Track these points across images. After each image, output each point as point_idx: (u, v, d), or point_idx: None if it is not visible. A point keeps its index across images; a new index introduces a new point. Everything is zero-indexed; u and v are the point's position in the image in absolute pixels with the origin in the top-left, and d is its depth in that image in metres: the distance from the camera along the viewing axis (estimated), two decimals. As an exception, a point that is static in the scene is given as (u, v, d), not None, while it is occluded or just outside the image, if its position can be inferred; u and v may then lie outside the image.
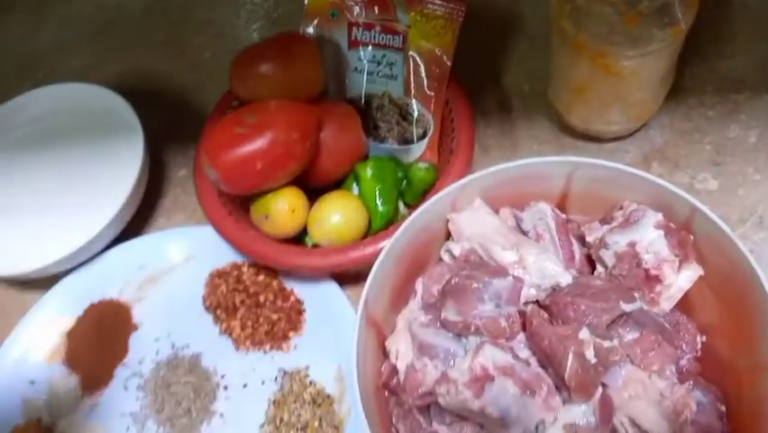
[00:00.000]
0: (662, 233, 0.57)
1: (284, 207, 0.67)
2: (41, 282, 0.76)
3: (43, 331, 0.74)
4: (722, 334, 0.58)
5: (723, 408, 0.55)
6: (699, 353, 0.59)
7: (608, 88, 0.68)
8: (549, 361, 0.53)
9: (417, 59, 0.71)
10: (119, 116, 0.81)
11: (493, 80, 0.84)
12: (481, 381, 0.52)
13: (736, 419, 0.54)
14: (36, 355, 0.73)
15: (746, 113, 0.75)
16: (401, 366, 0.59)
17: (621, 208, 0.62)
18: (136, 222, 0.79)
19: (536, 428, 0.54)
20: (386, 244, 0.59)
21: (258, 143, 0.63)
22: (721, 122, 0.75)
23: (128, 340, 0.73)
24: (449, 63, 0.71)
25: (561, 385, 0.53)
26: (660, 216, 0.58)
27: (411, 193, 0.71)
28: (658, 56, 0.64)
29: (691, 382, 0.54)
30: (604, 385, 0.54)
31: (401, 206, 0.72)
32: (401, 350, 0.60)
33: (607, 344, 0.53)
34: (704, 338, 0.59)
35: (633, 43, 0.62)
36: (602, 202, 0.63)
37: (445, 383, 0.53)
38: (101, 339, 0.73)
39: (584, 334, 0.52)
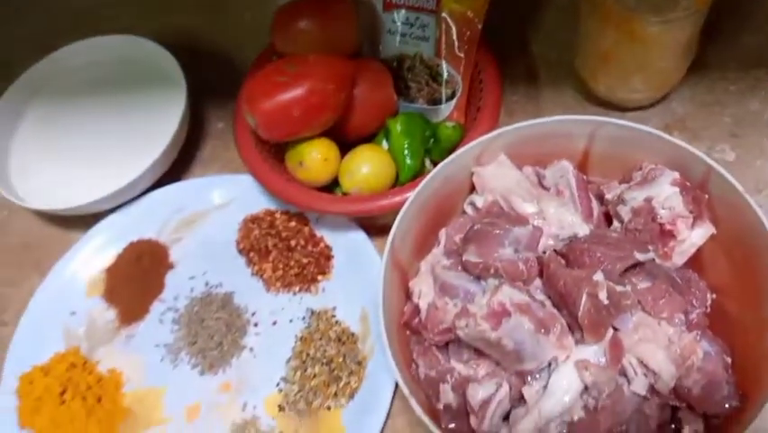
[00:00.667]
0: (677, 189, 0.60)
1: (317, 156, 0.71)
2: (84, 221, 0.81)
3: (85, 266, 0.79)
4: (731, 292, 0.61)
5: (729, 359, 0.57)
6: (709, 309, 0.61)
7: (632, 56, 0.71)
8: (564, 301, 0.56)
9: (449, 21, 0.75)
10: (164, 69, 0.85)
11: (522, 48, 0.87)
12: (499, 315, 0.55)
13: (742, 371, 0.57)
14: (77, 289, 0.78)
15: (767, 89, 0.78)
16: (423, 305, 0.63)
17: (640, 169, 0.65)
18: (175, 169, 0.84)
19: (549, 364, 0.57)
20: (412, 193, 0.63)
21: (296, 92, 0.67)
22: (742, 96, 0.78)
23: (164, 277, 0.78)
24: (480, 26, 0.74)
25: (574, 326, 0.57)
26: (676, 175, 0.61)
27: (437, 150, 0.74)
28: (681, 24, 0.67)
29: (699, 332, 0.57)
30: (615, 329, 0.57)
31: (427, 162, 0.75)
32: (423, 290, 0.63)
33: (619, 288, 0.56)
34: (714, 296, 0.62)
35: (657, 10, 0.65)
36: (622, 163, 0.66)
37: (465, 317, 0.56)
38: (139, 276, 0.77)
39: (598, 276, 0.55)
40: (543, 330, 0.56)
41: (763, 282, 0.57)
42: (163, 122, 0.80)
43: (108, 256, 0.79)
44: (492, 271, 0.59)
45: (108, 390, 0.72)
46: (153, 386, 0.71)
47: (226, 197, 0.81)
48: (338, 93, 0.69)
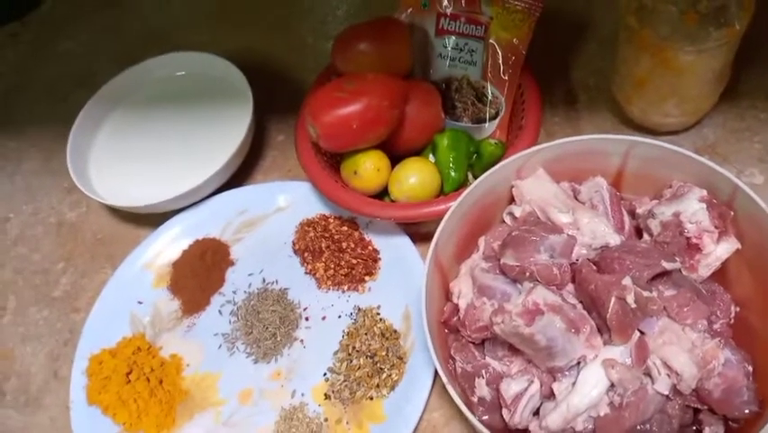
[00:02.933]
0: (704, 205, 0.64)
1: (371, 166, 0.77)
2: (154, 219, 0.88)
3: (153, 260, 0.86)
4: (754, 306, 0.64)
5: (750, 368, 0.60)
6: (732, 321, 0.65)
7: (666, 82, 0.75)
8: (594, 304, 0.61)
9: (496, 47, 0.81)
10: (232, 84, 0.93)
11: (562, 75, 0.92)
12: (533, 313, 0.59)
13: (763, 380, 0.59)
14: (145, 280, 0.85)
15: (797, 117, 0.82)
16: (462, 304, 0.68)
17: (670, 187, 0.69)
18: (239, 176, 0.91)
19: (578, 362, 0.62)
20: (456, 200, 0.68)
21: (354, 107, 0.73)
22: (772, 124, 0.82)
23: (225, 273, 0.84)
24: (524, 52, 0.80)
25: (603, 328, 0.61)
26: (704, 192, 0.65)
27: (480, 165, 0.80)
28: (714, 54, 0.71)
29: (722, 340, 0.60)
30: (641, 332, 0.61)
31: (470, 176, 0.81)
32: (463, 291, 0.68)
33: (646, 294, 0.60)
34: (737, 309, 0.65)
35: (691, 40, 0.70)
36: (654, 182, 0.70)
37: (501, 314, 0.60)
38: (202, 270, 0.84)
39: (627, 281, 0.59)
40: (573, 330, 0.60)
41: (786, 298, 0.61)
42: (230, 132, 0.88)
43: (175, 251, 0.87)
44: (528, 274, 0.64)
45: (169, 373, 0.78)
46: (210, 371, 0.78)
47: (285, 201, 0.88)
48: (392, 109, 0.75)
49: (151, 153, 0.93)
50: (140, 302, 0.84)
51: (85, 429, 0.75)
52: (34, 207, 0.98)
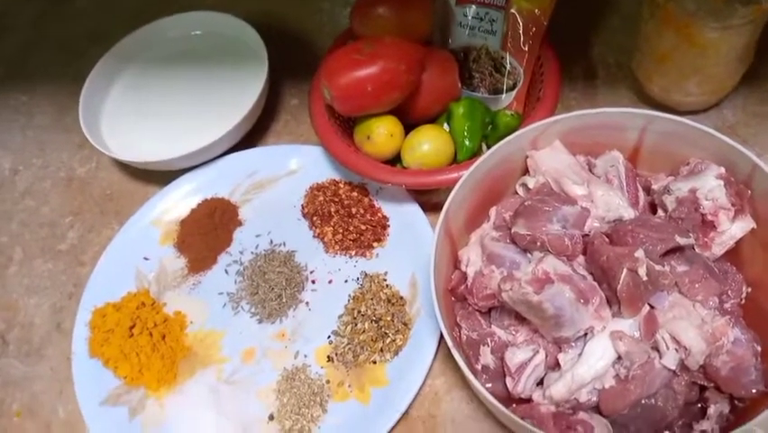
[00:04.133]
0: (721, 183, 0.63)
1: (384, 131, 0.76)
2: (164, 177, 0.88)
3: (161, 217, 0.86)
4: (766, 287, 0.64)
5: (759, 348, 0.59)
6: (743, 301, 0.64)
7: (688, 59, 0.74)
8: (604, 275, 0.60)
9: (517, 17, 0.79)
10: (248, 45, 0.93)
11: (583, 50, 0.91)
12: (542, 281, 0.59)
13: (771, 361, 0.59)
14: (152, 237, 0.85)
15: (819, 102, 0.80)
16: (470, 272, 0.67)
17: (688, 164, 0.68)
18: (251, 137, 0.90)
19: (586, 334, 0.61)
20: (470, 168, 0.67)
21: (371, 69, 0.72)
22: (793, 108, 0.80)
23: (233, 233, 0.84)
24: (545, 24, 0.79)
25: (612, 300, 0.60)
26: (722, 169, 0.64)
27: (495, 136, 0.78)
28: (739, 31, 0.70)
29: (732, 319, 0.60)
30: (651, 307, 0.61)
31: (484, 147, 0.80)
32: (472, 258, 0.68)
33: (658, 268, 0.59)
34: (749, 289, 0.65)
35: (716, 16, 0.69)
36: (671, 159, 0.69)
37: (510, 281, 0.60)
38: (210, 229, 0.84)
39: (639, 253, 0.58)
40: (582, 300, 0.60)
41: (798, 278, 0.60)
42: (244, 93, 0.87)
43: (183, 210, 0.86)
44: (539, 243, 0.64)
45: (173, 329, 0.78)
46: (214, 329, 0.78)
47: (295, 164, 0.87)
48: (408, 74, 0.74)
49: (164, 111, 0.93)
50: (146, 258, 0.84)
51: (85, 381, 0.75)
52: (44, 160, 0.98)
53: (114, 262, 0.83)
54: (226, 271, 0.81)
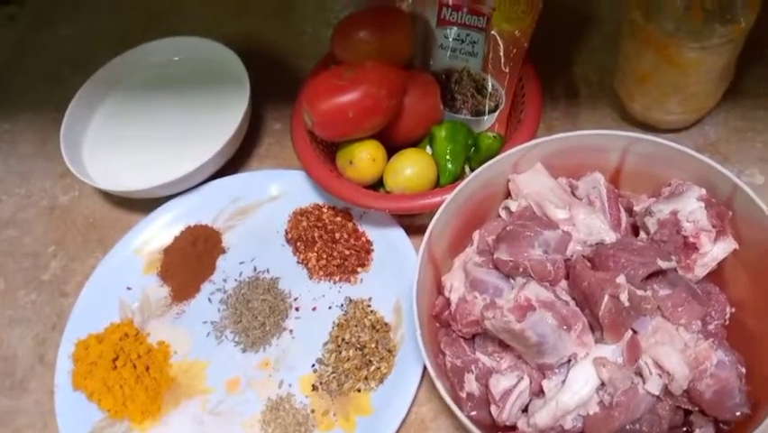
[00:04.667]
0: (702, 204, 0.63)
1: (366, 156, 0.76)
2: (147, 205, 0.87)
3: (144, 246, 0.86)
4: (750, 307, 0.63)
5: (743, 369, 0.59)
6: (727, 321, 0.64)
7: (669, 78, 0.74)
8: (587, 301, 0.60)
9: (498, 39, 0.79)
10: (230, 70, 0.92)
11: (564, 69, 0.91)
12: (524, 309, 0.59)
13: (756, 382, 0.59)
14: (135, 266, 0.84)
15: (800, 118, 0.80)
16: (454, 298, 0.67)
17: (669, 185, 0.68)
18: (234, 163, 0.90)
19: (569, 360, 0.61)
20: (452, 193, 0.67)
21: (351, 95, 0.72)
22: (775, 124, 0.81)
23: (216, 261, 0.83)
24: (526, 45, 0.79)
25: (595, 326, 0.60)
26: (703, 191, 0.64)
27: (477, 158, 0.78)
28: (718, 51, 0.70)
29: (716, 341, 0.60)
30: (634, 331, 0.60)
31: (467, 169, 0.80)
32: (455, 285, 0.67)
33: (640, 292, 0.59)
34: (733, 310, 0.64)
35: (696, 36, 0.69)
36: (653, 180, 0.69)
37: (492, 309, 0.59)
38: (193, 258, 0.83)
39: (621, 279, 0.58)
40: (565, 327, 0.59)
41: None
42: (226, 118, 0.87)
43: (166, 238, 0.86)
44: (521, 269, 0.63)
45: (156, 360, 0.77)
46: (198, 359, 0.77)
47: (278, 190, 0.87)
48: (389, 99, 0.74)
49: (146, 138, 0.92)
50: (129, 288, 0.83)
51: (69, 414, 0.74)
52: (27, 189, 0.97)
53: (96, 293, 0.82)
54: (210, 300, 0.81)
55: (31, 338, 0.83)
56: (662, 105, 0.78)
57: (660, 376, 0.58)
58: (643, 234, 0.67)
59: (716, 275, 0.65)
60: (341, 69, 0.75)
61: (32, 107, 1.06)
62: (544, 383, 0.61)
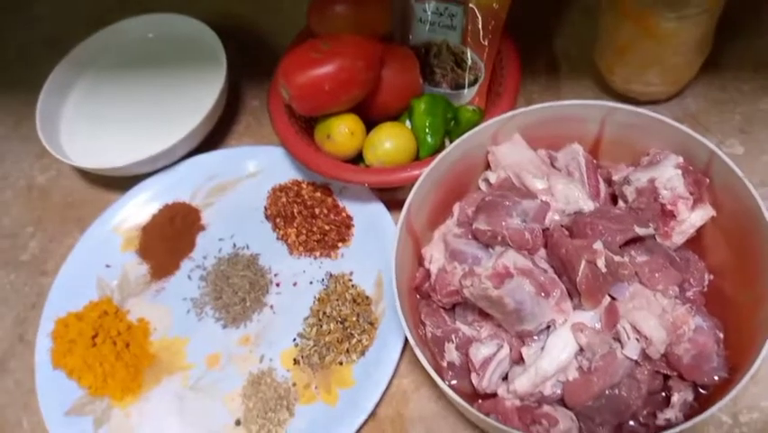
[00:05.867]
0: (679, 172, 0.63)
1: (344, 130, 0.76)
2: (124, 183, 0.87)
3: (122, 224, 0.85)
4: (728, 274, 0.64)
5: (721, 335, 0.60)
6: (706, 288, 0.65)
7: (647, 50, 0.74)
8: (564, 268, 0.60)
9: (476, 11, 0.79)
10: (206, 46, 0.91)
11: (545, 43, 0.91)
12: (502, 276, 0.59)
13: (734, 347, 0.59)
14: (113, 244, 0.84)
15: (779, 89, 0.81)
16: (434, 269, 0.67)
17: (647, 155, 0.68)
18: (211, 140, 0.89)
19: (548, 327, 0.61)
20: (430, 165, 0.67)
21: (328, 67, 0.72)
22: (754, 95, 0.81)
23: (195, 238, 0.83)
24: (504, 17, 0.78)
25: (573, 293, 0.60)
26: (680, 159, 0.64)
27: (457, 132, 0.78)
28: (695, 21, 0.70)
29: (693, 306, 0.60)
30: (612, 298, 0.61)
31: (447, 142, 0.79)
32: (435, 256, 0.68)
33: (618, 258, 0.59)
34: (711, 277, 0.65)
35: (672, 6, 0.69)
36: (631, 150, 0.69)
37: (470, 277, 0.59)
38: (171, 235, 0.83)
39: (598, 245, 0.58)
40: (543, 293, 0.59)
41: (759, 262, 0.60)
42: (203, 95, 0.86)
43: (144, 216, 0.85)
44: (500, 238, 0.63)
45: (136, 337, 0.77)
46: (178, 336, 0.77)
47: (257, 166, 0.86)
48: (366, 71, 0.74)
49: (123, 117, 0.91)
50: (107, 266, 0.83)
51: (49, 392, 0.74)
52: (3, 171, 0.96)
53: (75, 272, 0.82)
54: (189, 277, 0.80)
55: (11, 318, 0.83)
56: (641, 76, 0.78)
57: (638, 341, 0.58)
58: (621, 204, 0.67)
59: (695, 243, 0.66)
60: (317, 42, 0.74)
61: (6, 88, 1.04)
62: (524, 350, 0.61)
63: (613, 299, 0.61)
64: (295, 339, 0.73)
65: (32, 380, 0.76)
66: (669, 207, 0.63)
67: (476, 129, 0.68)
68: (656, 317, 0.58)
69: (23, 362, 0.79)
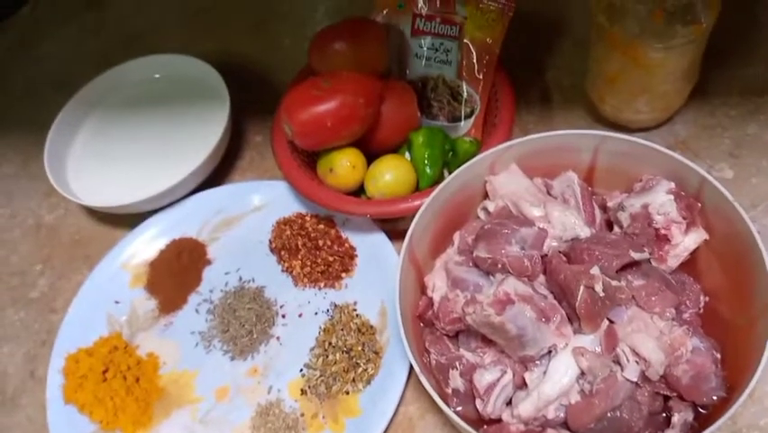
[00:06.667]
0: (672, 197, 0.65)
1: (346, 163, 0.78)
2: (131, 220, 0.88)
3: (130, 260, 0.86)
4: (723, 295, 0.65)
5: (718, 355, 0.61)
6: (702, 310, 0.66)
7: (636, 79, 0.77)
8: (563, 293, 0.61)
9: (471, 46, 0.82)
10: (210, 85, 0.94)
11: (538, 74, 0.94)
12: (503, 303, 0.60)
13: (731, 367, 0.60)
14: (122, 280, 0.85)
15: (766, 114, 0.83)
16: (436, 297, 0.68)
17: (640, 181, 0.70)
18: (216, 176, 0.91)
19: (549, 351, 0.63)
20: (430, 195, 0.69)
21: (329, 104, 0.74)
22: (741, 120, 0.83)
23: (202, 272, 0.85)
24: (497, 51, 0.81)
25: (573, 317, 0.62)
26: (672, 184, 0.66)
27: (455, 162, 0.80)
28: (682, 51, 0.73)
29: (690, 328, 0.61)
30: (611, 321, 0.62)
31: (446, 173, 0.81)
32: (437, 284, 0.69)
33: (615, 283, 0.61)
34: (707, 299, 0.66)
35: (659, 37, 0.71)
36: (625, 176, 0.71)
37: (473, 304, 0.61)
38: (179, 270, 0.84)
39: (595, 270, 0.60)
40: (543, 319, 0.61)
41: (752, 284, 0.61)
42: (207, 133, 0.89)
43: (152, 251, 0.87)
44: (500, 265, 0.65)
45: (146, 371, 0.78)
46: (187, 369, 0.78)
47: (261, 201, 0.88)
48: (367, 107, 0.76)
49: (129, 155, 0.94)
50: (117, 302, 0.84)
51: (61, 428, 0.75)
52: (12, 209, 0.98)
53: (85, 308, 0.83)
54: (197, 311, 0.82)
55: (21, 355, 0.84)
56: (631, 105, 0.80)
57: (637, 363, 0.60)
58: (616, 229, 0.69)
59: (690, 266, 0.67)
60: (318, 80, 0.77)
61: (14, 127, 1.07)
62: (527, 375, 0.63)
63: (611, 322, 0.62)
64: (302, 370, 0.75)
65: (43, 415, 0.76)
66: (663, 231, 0.65)
67: (474, 160, 0.71)
68: (654, 339, 0.60)
69: (35, 397, 0.80)
